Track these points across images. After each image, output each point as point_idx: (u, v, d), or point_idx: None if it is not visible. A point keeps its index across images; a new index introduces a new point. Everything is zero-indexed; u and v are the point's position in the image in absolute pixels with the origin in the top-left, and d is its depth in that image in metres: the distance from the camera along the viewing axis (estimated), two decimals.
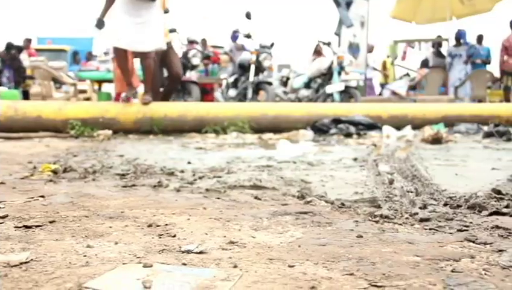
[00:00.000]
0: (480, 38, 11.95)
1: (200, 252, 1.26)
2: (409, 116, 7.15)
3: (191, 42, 8.10)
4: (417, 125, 6.75)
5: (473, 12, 13.04)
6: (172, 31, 7.68)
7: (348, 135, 5.96)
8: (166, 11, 6.22)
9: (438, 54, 12.74)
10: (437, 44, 13.07)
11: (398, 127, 6.51)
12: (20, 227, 1.49)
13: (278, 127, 6.31)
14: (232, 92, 8.53)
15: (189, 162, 3.23)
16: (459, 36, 11.92)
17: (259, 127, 6.20)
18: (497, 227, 1.48)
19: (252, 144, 4.89)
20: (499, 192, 1.99)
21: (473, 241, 1.34)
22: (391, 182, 2.35)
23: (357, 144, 4.96)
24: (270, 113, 6.46)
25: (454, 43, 12.10)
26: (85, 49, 14.16)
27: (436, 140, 4.93)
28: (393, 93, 11.10)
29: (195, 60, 7.94)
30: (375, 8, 12.85)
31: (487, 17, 13.81)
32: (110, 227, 1.52)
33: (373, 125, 6.45)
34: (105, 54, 11.58)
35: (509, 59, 10.53)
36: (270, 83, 8.38)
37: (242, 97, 8.21)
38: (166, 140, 5.25)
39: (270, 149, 4.38)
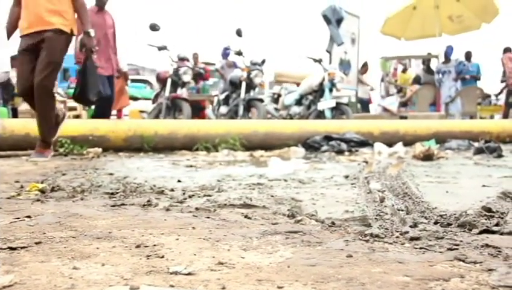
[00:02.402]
0: (468, 55, 12.08)
1: (188, 274, 1.24)
2: (401, 133, 7.19)
3: (182, 59, 8.12)
4: (408, 141, 6.79)
5: (462, 30, 13.20)
6: (162, 48, 7.71)
7: (340, 152, 5.97)
8: (156, 29, 6.23)
9: (428, 70, 12.86)
10: (427, 61, 13.19)
11: (390, 143, 6.53)
12: (5, 249, 1.47)
13: (269, 144, 6.31)
14: (223, 109, 8.54)
15: (179, 181, 3.21)
16: (448, 53, 12.05)
17: (251, 145, 6.20)
18: (487, 245, 1.47)
19: (243, 162, 4.88)
20: (489, 210, 1.99)
21: (463, 261, 1.33)
22: (382, 200, 2.34)
23: (349, 161, 4.97)
24: (261, 130, 6.47)
25: (443, 60, 12.22)
26: (75, 66, 14.13)
27: (427, 157, 4.95)
28: (385, 109, 11.16)
29: (186, 77, 7.96)
30: (366, 25, 12.99)
31: (476, 35, 13.97)
32: (98, 248, 1.50)
33: (364, 142, 6.48)
34: None
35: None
36: (261, 100, 8.41)
37: (233, 114, 8.22)
38: (156, 158, 5.23)
39: (261, 167, 4.37)
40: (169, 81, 7.86)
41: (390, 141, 6.70)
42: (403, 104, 12.32)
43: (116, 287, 1.15)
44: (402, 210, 2.09)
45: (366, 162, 4.72)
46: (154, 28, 6.34)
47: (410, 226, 1.76)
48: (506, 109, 11.00)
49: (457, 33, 13.32)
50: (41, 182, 2.89)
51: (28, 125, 5.45)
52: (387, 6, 13.46)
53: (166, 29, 7.57)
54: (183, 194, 2.64)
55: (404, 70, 14.29)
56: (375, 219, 1.93)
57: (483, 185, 2.98)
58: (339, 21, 10.82)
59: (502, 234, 1.64)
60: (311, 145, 6.28)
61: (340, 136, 6.46)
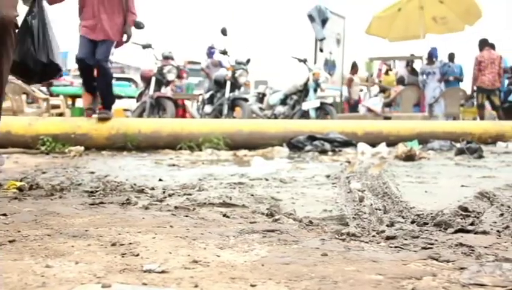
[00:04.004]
0: (451, 56, 12.18)
1: (162, 272, 1.24)
2: (384, 133, 7.22)
3: (166, 58, 8.09)
4: (392, 142, 6.81)
5: (445, 31, 13.30)
6: (147, 46, 7.67)
7: (323, 152, 5.98)
8: (140, 27, 6.18)
9: (412, 71, 12.96)
10: (411, 62, 13.29)
11: (373, 144, 6.56)
12: None
13: (253, 143, 6.30)
14: (208, 108, 8.53)
15: (160, 179, 3.20)
16: (432, 54, 12.14)
17: (235, 144, 6.19)
18: (461, 245, 1.49)
19: (226, 161, 4.88)
20: (465, 209, 2.01)
21: (436, 259, 1.34)
22: (361, 199, 2.35)
23: (332, 161, 4.98)
24: (245, 129, 6.46)
25: (426, 61, 12.32)
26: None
27: (409, 157, 4.98)
28: (369, 110, 11.22)
29: (170, 76, 7.93)
30: (351, 25, 13.05)
31: (459, 36, 14.11)
32: (73, 246, 1.49)
33: (348, 143, 6.49)
34: None
35: (482, 76, 10.73)
36: (246, 100, 8.41)
37: (218, 113, 8.20)
38: (139, 156, 5.20)
39: (244, 166, 4.37)
40: (153, 79, 7.82)
41: (373, 141, 6.73)
42: (387, 105, 12.39)
43: (88, 285, 1.14)
44: (380, 209, 2.10)
45: (349, 162, 4.74)
46: (138, 26, 6.28)
47: (387, 226, 1.77)
48: (480, 112, 11.10)
49: (442, 33, 13.43)
50: (20, 180, 2.86)
51: (8, 122, 5.39)
52: (372, 7, 13.56)
53: (151, 28, 7.51)
54: (163, 192, 2.63)
55: (387, 72, 14.37)
56: (353, 218, 1.94)
57: (462, 185, 3.01)
58: (324, 21, 10.85)
59: (476, 233, 1.66)
60: (295, 145, 6.28)
61: (324, 136, 6.47)
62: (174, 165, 4.28)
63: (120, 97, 11.70)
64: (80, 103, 10.88)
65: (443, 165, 4.50)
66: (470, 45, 11.85)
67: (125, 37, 5.99)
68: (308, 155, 5.59)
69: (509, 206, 2.08)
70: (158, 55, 8.05)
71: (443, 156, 5.61)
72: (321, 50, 10.97)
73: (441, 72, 11.94)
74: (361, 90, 14.02)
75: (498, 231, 1.68)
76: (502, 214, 1.95)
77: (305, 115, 8.41)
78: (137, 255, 1.40)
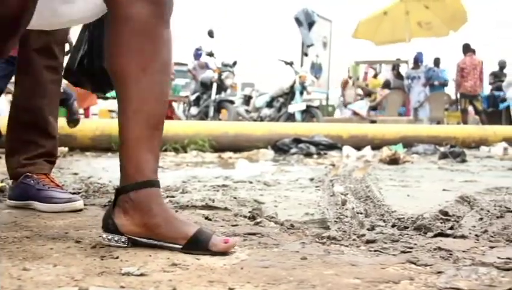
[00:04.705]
0: (437, 61, 12.30)
1: (141, 275, 1.24)
2: (369, 137, 7.27)
3: None
4: (377, 145, 6.87)
5: (430, 36, 13.44)
6: None
7: (309, 155, 6.01)
8: None
9: (398, 75, 13.06)
10: (397, 66, 13.40)
11: (358, 147, 6.60)
12: None
13: (239, 146, 6.31)
14: (194, 110, 8.52)
15: None
16: (417, 58, 12.25)
17: (220, 146, 6.19)
18: (440, 249, 1.50)
19: (211, 163, 4.88)
20: (445, 213, 2.03)
21: (415, 263, 1.35)
22: (344, 203, 2.36)
23: (316, 164, 5.00)
24: (231, 132, 6.47)
25: (412, 66, 12.43)
26: None
27: (393, 161, 5.02)
28: (354, 113, 11.29)
29: None
30: (338, 29, 13.11)
31: (444, 41, 14.25)
32: (51, 249, 1.48)
33: (333, 146, 6.53)
34: None
35: (464, 82, 10.85)
36: (232, 102, 8.42)
37: (203, 115, 8.20)
38: None
39: (228, 168, 4.38)
40: None
41: (359, 144, 6.77)
42: (373, 108, 12.48)
43: (65, 288, 1.14)
44: (361, 213, 2.12)
45: (333, 165, 4.76)
46: (211, 34, 6.26)
47: (368, 229, 1.78)
48: (463, 116, 11.22)
49: (427, 37, 13.56)
50: (1, 181, 2.83)
51: None
52: (359, 11, 13.64)
53: None
54: None
55: (375, 76, 14.47)
56: (335, 221, 1.95)
57: (444, 189, 3.04)
58: (311, 24, 10.90)
59: (455, 237, 1.68)
60: (280, 148, 6.30)
61: (309, 139, 6.50)
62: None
63: (106, 98, 11.64)
64: None
65: (426, 169, 4.53)
66: (455, 49, 11.97)
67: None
68: (293, 158, 5.61)
69: (488, 211, 2.11)
70: None
71: (427, 160, 5.66)
72: (306, 54, 11.02)
73: (426, 76, 12.05)
74: (358, 95, 14.02)
75: (476, 235, 1.70)
76: (481, 219, 1.97)
77: (291, 117, 8.44)
78: (117, 257, 1.40)
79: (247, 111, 9.55)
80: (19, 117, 2.26)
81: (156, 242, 1.48)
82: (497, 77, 12.89)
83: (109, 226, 1.52)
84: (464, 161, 5.33)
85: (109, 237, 1.52)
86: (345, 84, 13.40)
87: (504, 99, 12.11)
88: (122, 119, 1.53)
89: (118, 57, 1.51)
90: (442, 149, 6.16)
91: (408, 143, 7.16)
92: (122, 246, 1.50)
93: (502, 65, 13.15)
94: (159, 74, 1.52)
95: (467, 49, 11.08)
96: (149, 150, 1.53)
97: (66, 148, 5.32)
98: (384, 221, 1.96)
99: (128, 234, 1.50)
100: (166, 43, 1.53)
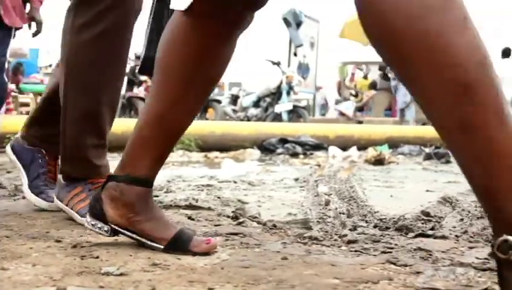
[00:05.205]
0: None
1: (120, 274, 1.23)
2: (355, 137, 7.30)
3: (139, 57, 8.02)
4: (363, 146, 6.90)
5: None
6: None
7: (295, 155, 6.02)
8: None
9: (385, 76, 13.13)
10: (383, 67, 13.46)
11: (345, 147, 6.63)
12: None
13: (226, 145, 6.31)
14: None
15: None
16: None
17: (206, 145, 6.18)
18: (420, 249, 1.52)
19: (197, 163, 4.87)
20: (427, 214, 2.05)
21: (394, 264, 1.36)
22: (327, 203, 2.37)
23: (302, 164, 5.02)
24: (217, 131, 6.46)
25: None
26: (30, 62, 13.76)
27: (378, 161, 5.05)
28: (341, 113, 11.33)
29: (143, 76, 7.88)
30: (325, 29, 13.16)
31: None
32: (31, 248, 1.47)
33: (319, 146, 6.55)
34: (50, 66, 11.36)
35: None
36: (219, 101, 8.42)
37: None
38: (110, 157, 5.11)
39: (214, 168, 4.37)
40: (125, 79, 7.77)
41: (345, 144, 6.80)
42: (359, 109, 12.55)
43: (43, 288, 1.13)
44: (344, 213, 2.13)
45: (319, 166, 4.77)
46: None
47: (350, 230, 1.79)
48: None
49: None
50: None
51: None
52: (346, 11, 13.69)
53: None
54: None
55: (365, 76, 14.54)
56: (317, 222, 1.96)
57: (427, 190, 3.06)
58: (299, 24, 10.92)
59: (435, 237, 1.69)
60: (266, 148, 6.31)
61: (295, 139, 6.51)
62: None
63: None
64: None
65: (411, 170, 4.57)
66: None
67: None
68: (279, 158, 5.62)
69: (469, 211, 2.13)
70: (130, 54, 8.00)
71: (412, 161, 5.70)
72: (295, 54, 11.05)
73: None
74: (351, 94, 14.01)
75: (456, 235, 1.71)
76: (462, 219, 1.99)
77: (277, 117, 8.46)
78: (97, 257, 1.39)
79: (234, 111, 9.55)
80: None
81: (138, 237, 1.48)
82: None
83: (95, 211, 1.51)
84: (448, 161, 5.37)
85: (93, 223, 1.51)
86: (340, 85, 13.45)
87: None
88: (146, 111, 1.50)
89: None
90: (427, 150, 6.21)
91: (394, 144, 7.20)
92: (104, 235, 1.49)
93: None
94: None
95: None
96: (156, 149, 1.51)
97: None
98: (366, 221, 1.97)
99: (112, 224, 1.49)
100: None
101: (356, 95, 13.34)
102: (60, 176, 2.00)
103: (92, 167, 1.97)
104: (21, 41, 8.56)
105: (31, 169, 2.14)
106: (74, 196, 1.93)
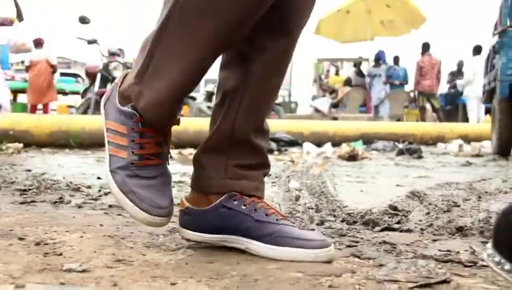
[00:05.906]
0: (396, 60, 12.52)
1: (83, 271, 1.22)
2: (330, 133, 7.35)
3: (112, 54, 7.94)
4: (338, 142, 6.95)
5: (392, 34, 13.64)
6: (92, 42, 7.52)
7: (269, 151, 6.01)
8: (85, 22, 6.03)
9: (359, 73, 13.23)
10: (358, 64, 13.57)
11: (319, 143, 6.66)
12: None
13: (200, 142, 6.24)
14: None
15: (99, 178, 3.15)
16: (379, 57, 12.43)
17: (181, 142, 6.14)
18: (385, 242, 1.53)
19: (171, 159, 4.83)
20: (395, 208, 2.07)
21: (359, 257, 1.37)
22: (297, 198, 2.38)
23: (276, 160, 5.02)
24: (191, 128, 6.43)
25: (373, 64, 12.61)
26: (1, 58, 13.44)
27: (351, 157, 5.09)
28: (316, 110, 11.39)
29: (117, 73, 7.80)
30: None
31: (405, 39, 14.51)
32: None
33: (294, 142, 6.57)
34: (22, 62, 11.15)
35: (422, 80, 11.09)
36: (194, 98, 8.38)
37: (86, 109, 8.00)
38: (82, 154, 5.10)
39: (187, 165, 4.35)
40: (98, 76, 7.68)
41: (320, 141, 6.84)
42: (334, 106, 12.62)
43: (2, 286, 1.11)
44: (313, 208, 2.14)
45: (293, 162, 4.79)
46: (83, 20, 6.14)
47: (317, 224, 1.80)
48: (422, 114, 11.49)
49: (390, 36, 13.78)
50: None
51: None
52: (323, 8, 13.71)
53: (96, 23, 7.34)
54: (99, 191, 2.59)
55: (337, 73, 14.63)
56: (286, 216, 1.96)
57: (398, 185, 3.10)
58: None
59: (401, 231, 1.71)
60: None
61: (270, 135, 6.52)
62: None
63: (65, 93, 11.42)
64: (22, 98, 10.54)
65: (383, 165, 4.61)
66: (417, 48, 12.20)
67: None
68: None
69: (436, 205, 2.16)
70: (104, 51, 7.90)
71: (385, 156, 5.76)
72: None
73: (387, 74, 12.26)
74: (328, 92, 14.00)
75: (422, 229, 1.74)
76: (428, 213, 2.02)
77: None
78: (60, 254, 1.37)
79: (209, 107, 9.50)
80: None
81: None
82: (455, 76, 13.22)
83: None
84: (420, 157, 5.44)
85: None
86: (318, 81, 13.52)
87: (461, 94, 12.37)
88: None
89: None
90: (400, 146, 6.28)
91: (368, 140, 7.27)
92: None
93: (460, 67, 13.47)
94: None
95: (426, 48, 11.32)
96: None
97: (21, 144, 5.20)
98: (334, 216, 1.99)
99: None
100: None
101: (332, 92, 13.43)
102: None
103: None
104: None
105: None
106: None
